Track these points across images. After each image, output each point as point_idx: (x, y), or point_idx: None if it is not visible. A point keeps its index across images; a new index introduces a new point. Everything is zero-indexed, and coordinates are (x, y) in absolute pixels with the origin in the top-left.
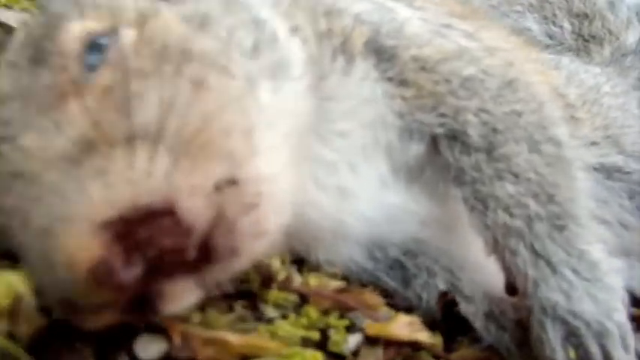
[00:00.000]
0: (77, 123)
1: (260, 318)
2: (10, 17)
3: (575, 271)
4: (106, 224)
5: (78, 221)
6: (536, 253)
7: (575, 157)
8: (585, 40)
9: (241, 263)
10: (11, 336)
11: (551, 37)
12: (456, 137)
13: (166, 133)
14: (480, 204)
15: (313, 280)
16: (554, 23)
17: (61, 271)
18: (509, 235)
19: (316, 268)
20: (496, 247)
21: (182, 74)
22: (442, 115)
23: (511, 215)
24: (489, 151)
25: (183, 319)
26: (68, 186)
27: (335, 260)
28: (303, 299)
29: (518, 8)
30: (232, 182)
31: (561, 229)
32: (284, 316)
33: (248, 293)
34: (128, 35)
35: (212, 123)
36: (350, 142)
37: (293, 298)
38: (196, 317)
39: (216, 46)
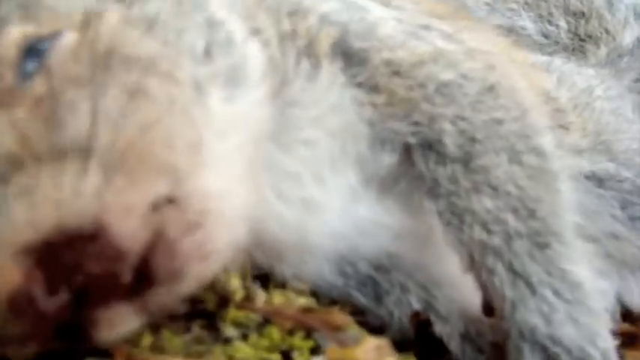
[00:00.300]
0: (4, 137)
1: (218, 338)
2: None
3: (556, 293)
4: (28, 249)
5: None
6: (514, 273)
7: (561, 169)
8: (581, 40)
9: (188, 286)
10: None
11: (546, 36)
12: (430, 147)
13: (98, 147)
14: (456, 219)
15: (278, 298)
16: (549, 22)
17: None
18: (486, 253)
19: (282, 284)
20: (472, 265)
21: (118, 82)
22: (416, 123)
23: (488, 232)
24: (466, 162)
25: (132, 341)
26: None
27: (302, 276)
28: (266, 318)
29: (513, 6)
30: (171, 200)
31: (543, 247)
32: (245, 336)
33: (207, 312)
34: (68, 39)
35: (149, 134)
36: (316, 152)
37: (255, 316)
38: (147, 339)
39: (160, 51)
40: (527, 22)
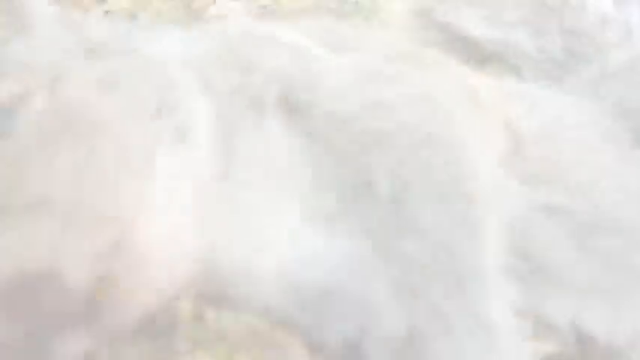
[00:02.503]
0: None
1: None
2: None
3: (470, 333)
4: None
5: None
6: (433, 311)
7: (488, 213)
8: (574, 57)
9: (132, 317)
10: None
11: (541, 51)
12: (367, 189)
13: (56, 201)
14: (383, 257)
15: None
16: (544, 37)
17: None
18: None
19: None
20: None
21: (79, 142)
22: (354, 169)
23: (411, 271)
24: (397, 205)
25: None
26: None
27: (250, 299)
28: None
29: (510, 20)
30: (119, 246)
31: (461, 288)
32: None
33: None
34: (37, 101)
35: (104, 190)
36: (261, 194)
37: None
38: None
39: (117, 110)
40: (522, 36)
